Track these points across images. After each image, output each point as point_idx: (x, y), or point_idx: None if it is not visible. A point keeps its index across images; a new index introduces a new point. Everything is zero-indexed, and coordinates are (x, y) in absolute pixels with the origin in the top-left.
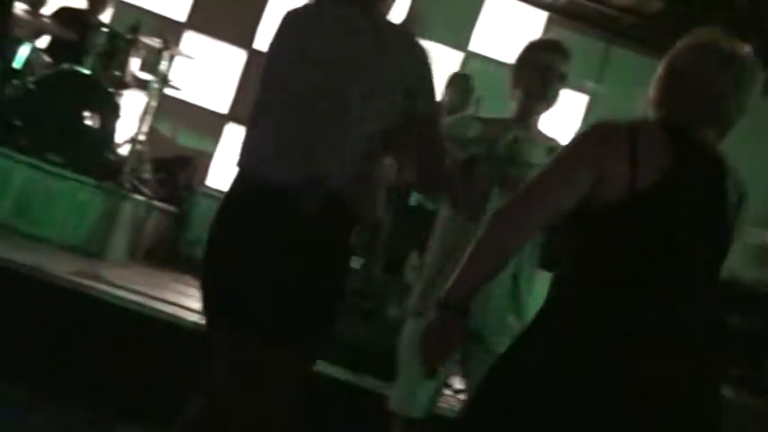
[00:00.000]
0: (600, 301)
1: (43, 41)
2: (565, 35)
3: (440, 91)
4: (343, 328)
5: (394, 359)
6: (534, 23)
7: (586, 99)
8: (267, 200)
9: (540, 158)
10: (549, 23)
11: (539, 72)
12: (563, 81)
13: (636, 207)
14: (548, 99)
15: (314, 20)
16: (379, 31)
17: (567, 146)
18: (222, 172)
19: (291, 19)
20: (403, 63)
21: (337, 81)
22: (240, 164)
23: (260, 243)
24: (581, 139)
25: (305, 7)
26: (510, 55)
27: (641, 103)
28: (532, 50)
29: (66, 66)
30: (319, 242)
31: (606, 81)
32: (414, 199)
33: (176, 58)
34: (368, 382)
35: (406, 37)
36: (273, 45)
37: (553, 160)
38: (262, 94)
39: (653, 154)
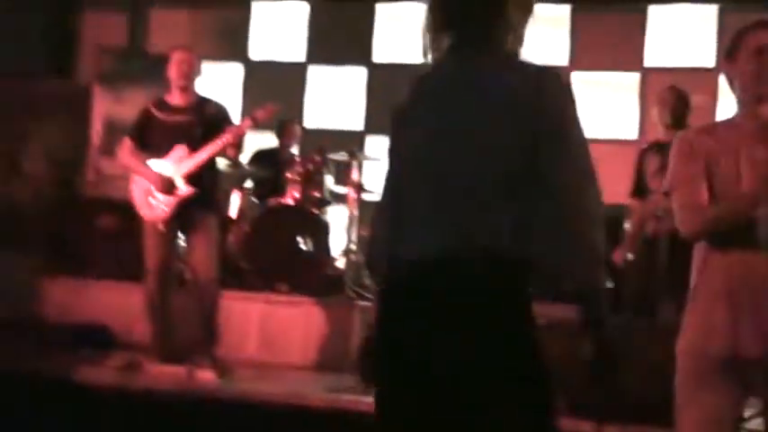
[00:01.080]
0: None
1: (246, 185)
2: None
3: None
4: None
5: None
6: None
7: None
8: (450, 284)
9: None
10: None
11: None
12: None
13: None
14: None
15: (446, 82)
16: (517, 75)
17: None
18: None
19: (423, 85)
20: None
21: (490, 141)
22: (397, 253)
23: (458, 335)
24: None
25: (433, 70)
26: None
27: None
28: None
29: (271, 202)
30: (524, 317)
31: None
32: None
33: (364, 164)
34: None
35: (548, 75)
36: (408, 116)
37: None
38: (400, 170)
39: None
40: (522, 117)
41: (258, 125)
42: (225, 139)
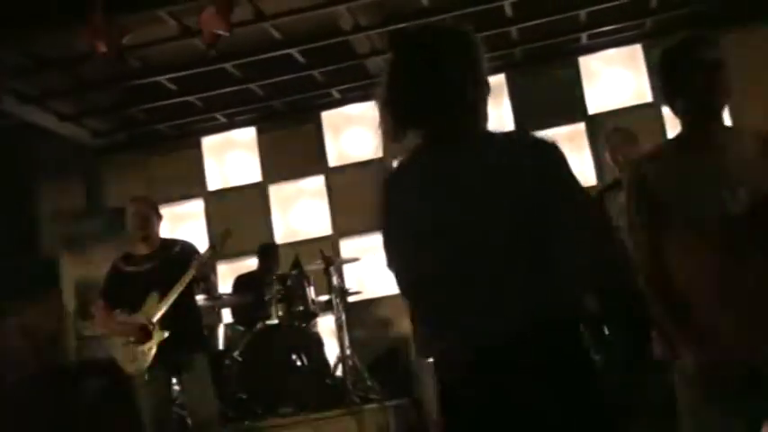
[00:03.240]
0: None
1: (228, 316)
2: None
3: None
4: None
5: None
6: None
7: None
8: (513, 365)
9: None
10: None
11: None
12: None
13: None
14: None
15: (436, 173)
16: (508, 147)
17: None
18: None
19: (399, 182)
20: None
21: (508, 219)
22: (444, 347)
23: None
24: None
25: (408, 164)
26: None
27: None
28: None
29: (258, 327)
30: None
31: None
32: None
33: (343, 267)
34: None
35: (530, 140)
36: (399, 212)
37: None
38: (414, 266)
39: None
40: (528, 186)
41: (218, 252)
42: (189, 274)
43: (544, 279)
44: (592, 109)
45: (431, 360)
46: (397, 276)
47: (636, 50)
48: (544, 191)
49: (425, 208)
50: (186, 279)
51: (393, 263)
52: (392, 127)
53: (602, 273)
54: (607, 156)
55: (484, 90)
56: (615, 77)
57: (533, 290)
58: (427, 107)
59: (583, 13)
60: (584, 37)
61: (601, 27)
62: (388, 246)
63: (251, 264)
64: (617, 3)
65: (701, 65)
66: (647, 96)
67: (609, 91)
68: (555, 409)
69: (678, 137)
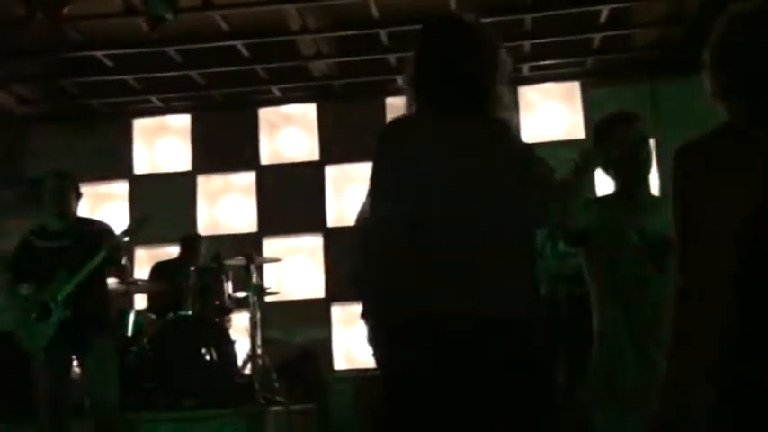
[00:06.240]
0: None
1: (142, 301)
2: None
3: None
4: None
5: None
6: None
7: None
8: (484, 332)
9: None
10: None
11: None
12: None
13: None
14: None
15: (437, 129)
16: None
17: None
18: (342, 353)
19: (404, 132)
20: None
21: (500, 197)
22: (411, 296)
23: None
24: None
25: (411, 122)
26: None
27: None
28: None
29: (170, 316)
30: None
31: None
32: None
33: (264, 266)
34: None
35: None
36: (396, 152)
37: None
38: (399, 206)
39: None
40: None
41: (133, 237)
42: (100, 255)
43: (529, 269)
44: (525, 138)
45: (379, 322)
46: (383, 215)
47: (574, 87)
48: (527, 176)
49: (431, 158)
50: (97, 260)
51: (381, 201)
52: (409, 99)
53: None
54: None
55: (498, 78)
56: (551, 111)
57: (526, 279)
58: (446, 83)
59: (527, 45)
60: (525, 68)
61: (543, 60)
62: (381, 184)
63: (171, 251)
64: (561, 39)
65: (631, 140)
66: (579, 133)
67: (543, 123)
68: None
69: (611, 195)
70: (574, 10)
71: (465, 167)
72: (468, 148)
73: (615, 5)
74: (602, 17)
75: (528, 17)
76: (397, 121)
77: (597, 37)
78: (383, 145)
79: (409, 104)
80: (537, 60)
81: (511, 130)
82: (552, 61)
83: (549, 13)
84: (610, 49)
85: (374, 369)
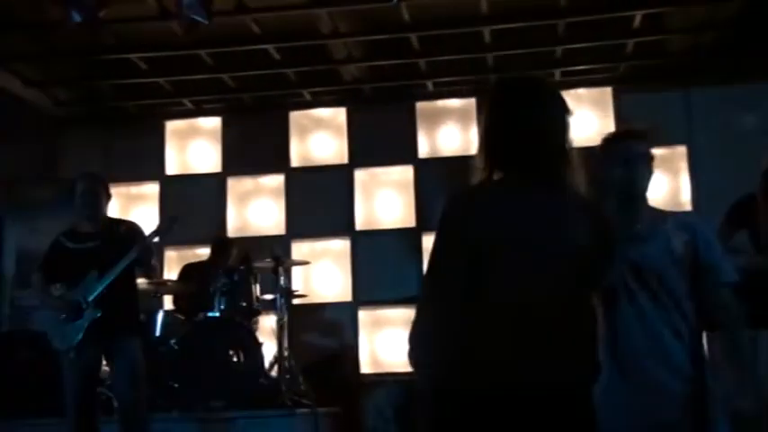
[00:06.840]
0: None
1: (171, 302)
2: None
3: None
4: None
5: None
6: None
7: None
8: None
9: None
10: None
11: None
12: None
13: None
14: None
15: (520, 202)
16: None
17: None
18: (369, 356)
19: (483, 200)
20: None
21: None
22: (487, 373)
23: None
24: None
25: (490, 191)
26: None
27: None
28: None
29: (198, 317)
30: None
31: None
32: None
33: (292, 269)
34: None
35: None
36: (470, 222)
37: None
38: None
39: None
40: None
41: (162, 237)
42: (130, 256)
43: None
44: None
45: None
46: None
47: (606, 93)
48: (598, 249)
49: (516, 227)
50: (127, 261)
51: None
52: (484, 165)
53: None
54: None
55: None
56: (582, 116)
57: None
58: (527, 150)
59: (559, 50)
60: (557, 73)
61: (575, 65)
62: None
63: (201, 253)
64: (594, 44)
65: (625, 159)
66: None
67: (574, 129)
68: None
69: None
70: (607, 15)
71: (551, 242)
72: (554, 221)
73: (649, 11)
74: (636, 22)
75: (561, 22)
76: (469, 190)
77: (630, 42)
78: (452, 216)
79: (482, 170)
80: (569, 66)
81: (590, 200)
82: (584, 66)
83: (582, 17)
84: (643, 55)
85: (402, 373)
